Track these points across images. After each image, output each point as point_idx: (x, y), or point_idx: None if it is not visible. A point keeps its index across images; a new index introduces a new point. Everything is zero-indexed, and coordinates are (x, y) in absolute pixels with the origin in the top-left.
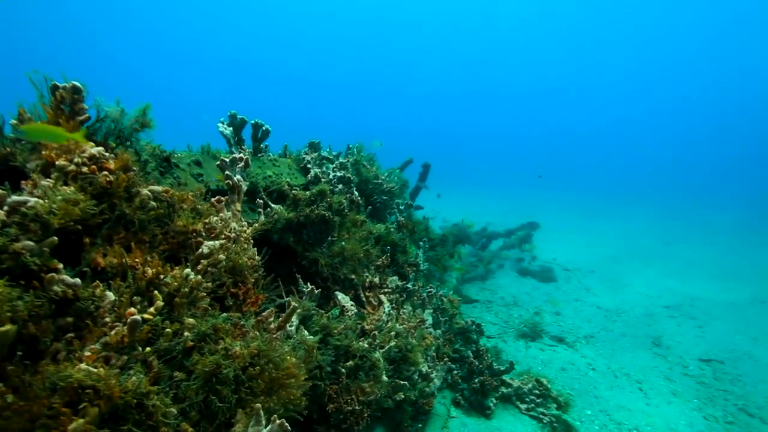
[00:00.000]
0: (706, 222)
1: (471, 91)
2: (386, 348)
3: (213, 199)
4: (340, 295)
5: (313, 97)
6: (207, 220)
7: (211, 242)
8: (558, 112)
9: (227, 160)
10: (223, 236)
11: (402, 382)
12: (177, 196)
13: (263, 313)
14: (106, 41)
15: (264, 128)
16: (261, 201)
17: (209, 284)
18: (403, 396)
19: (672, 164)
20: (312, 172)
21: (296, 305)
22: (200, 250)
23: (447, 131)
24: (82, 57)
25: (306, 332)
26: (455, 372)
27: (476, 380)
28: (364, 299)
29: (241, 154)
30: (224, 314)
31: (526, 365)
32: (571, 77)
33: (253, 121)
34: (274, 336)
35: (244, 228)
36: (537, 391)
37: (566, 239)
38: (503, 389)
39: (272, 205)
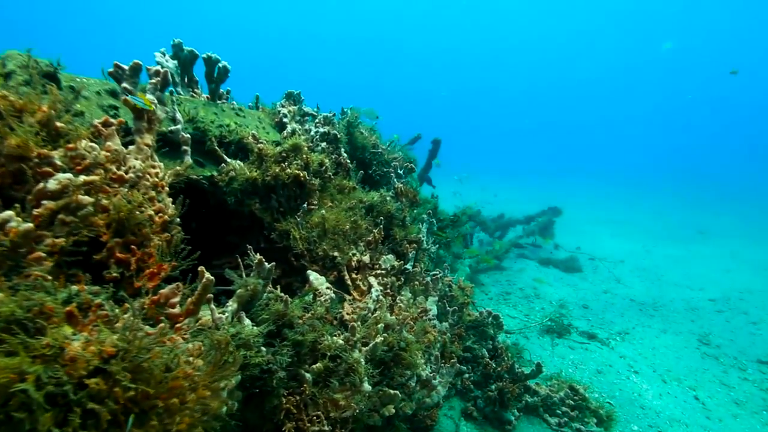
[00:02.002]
0: (742, 213)
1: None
2: (371, 345)
3: (97, 121)
4: (313, 275)
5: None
6: (73, 146)
7: (65, 176)
8: (583, 101)
9: (125, 68)
10: (104, 173)
11: (392, 392)
12: (12, 104)
13: (162, 291)
14: None
15: (221, 65)
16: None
17: (61, 240)
18: (394, 410)
19: (700, 153)
20: (289, 128)
21: (241, 284)
22: (43, 185)
23: (465, 120)
24: None
25: (248, 322)
26: (466, 376)
27: (493, 387)
28: (349, 282)
29: (157, 67)
30: (73, 288)
31: (555, 367)
32: (600, 64)
33: (204, 55)
34: (178, 326)
35: (157, 171)
36: (571, 401)
37: (589, 228)
38: (527, 398)
39: (226, 158)
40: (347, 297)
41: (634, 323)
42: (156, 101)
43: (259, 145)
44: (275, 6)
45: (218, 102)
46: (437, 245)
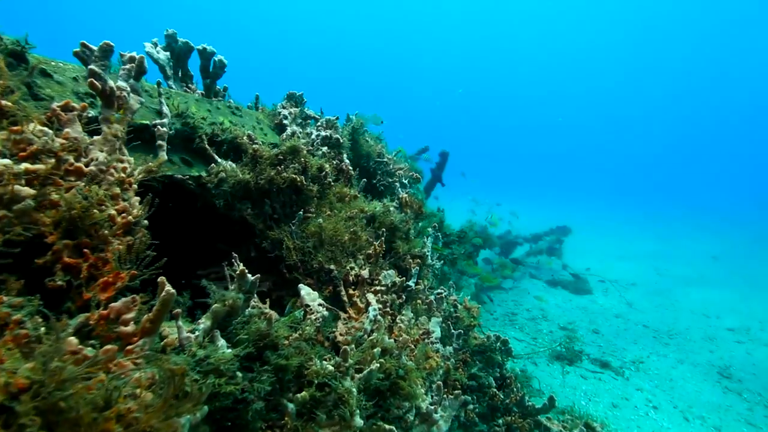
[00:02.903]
0: (756, 236)
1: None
2: (365, 372)
3: (56, 104)
4: (305, 290)
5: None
6: (18, 128)
7: (4, 161)
8: (591, 117)
9: (93, 48)
10: (57, 163)
11: (388, 427)
12: None
13: (114, 305)
14: None
15: (217, 58)
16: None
17: None
18: None
19: (709, 177)
20: (289, 130)
21: (218, 298)
22: None
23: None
24: None
25: (222, 343)
26: (471, 407)
27: (501, 421)
28: (345, 298)
29: (132, 53)
30: None
31: (566, 398)
32: (615, 79)
33: (200, 47)
34: (130, 348)
35: (125, 166)
36: None
37: (596, 248)
38: None
39: (217, 158)
40: (342, 315)
41: (648, 351)
42: (128, 89)
43: (254, 146)
44: (280, 8)
45: (213, 99)
46: (442, 261)
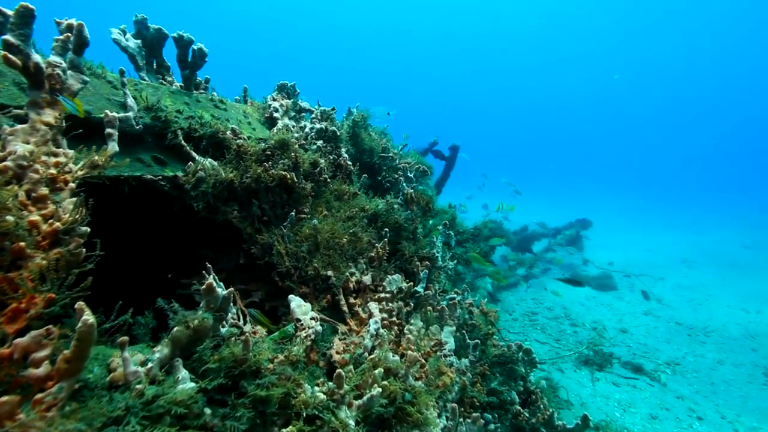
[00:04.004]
0: None
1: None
2: (365, 399)
3: None
4: (295, 302)
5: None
6: None
7: None
8: (614, 109)
9: (8, 14)
10: None
11: None
12: None
13: (19, 341)
14: None
15: (196, 47)
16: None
17: None
18: None
19: (738, 163)
20: (280, 124)
21: (179, 320)
22: None
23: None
24: None
25: (184, 374)
26: (492, 427)
27: None
28: (345, 308)
29: (70, 20)
30: None
31: (598, 410)
32: (636, 71)
33: (175, 34)
34: (40, 397)
35: (58, 161)
36: None
37: (619, 242)
38: None
39: (195, 155)
40: (342, 328)
41: (684, 351)
42: (62, 65)
43: (238, 141)
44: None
45: (193, 92)
46: (455, 261)
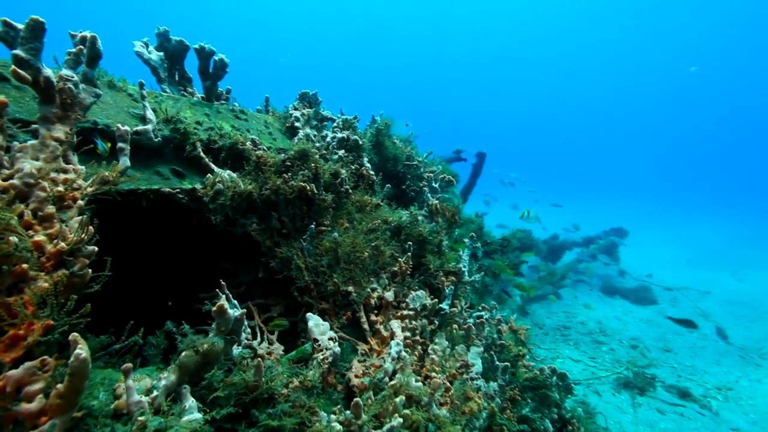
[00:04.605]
0: None
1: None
2: (384, 430)
3: None
4: (313, 320)
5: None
6: None
7: None
8: (654, 117)
9: (18, 27)
10: None
11: None
12: None
13: (12, 373)
14: None
15: (217, 58)
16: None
17: None
18: None
19: None
20: (301, 133)
21: (187, 345)
22: None
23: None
24: None
25: (191, 403)
26: None
27: None
28: (366, 326)
29: (85, 33)
30: None
31: None
32: (666, 75)
33: (197, 46)
34: None
35: (68, 177)
36: None
37: (657, 252)
38: None
39: (213, 167)
40: (362, 347)
41: (737, 375)
42: (74, 78)
43: (257, 152)
44: (299, 8)
45: (214, 102)
46: (482, 273)
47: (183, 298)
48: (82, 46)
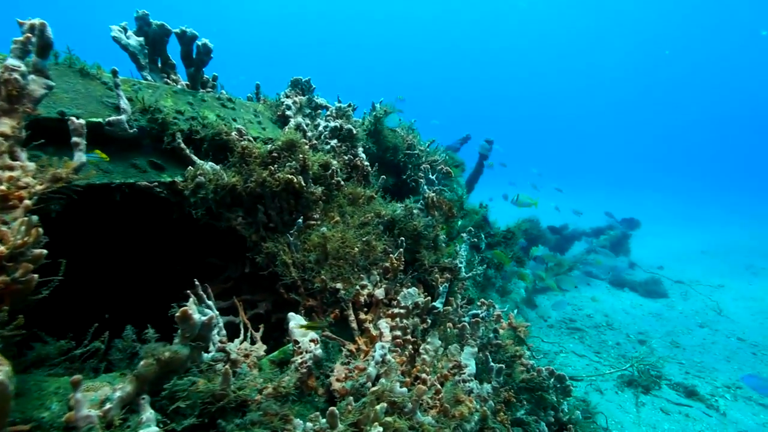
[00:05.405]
0: None
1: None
2: None
3: None
4: (295, 320)
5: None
6: None
7: None
8: (670, 105)
9: None
10: None
11: None
12: None
13: None
14: None
15: (200, 43)
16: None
17: None
18: None
19: None
20: (292, 122)
21: (147, 352)
22: None
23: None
24: None
25: (149, 415)
26: None
27: None
28: (354, 325)
29: (33, 21)
30: None
31: None
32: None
33: (178, 30)
34: None
35: (13, 175)
36: None
37: (670, 244)
38: None
39: (195, 159)
40: (349, 347)
41: (747, 373)
42: (21, 69)
43: (242, 143)
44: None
45: (200, 90)
46: (485, 265)
47: (167, 297)
48: (30, 35)
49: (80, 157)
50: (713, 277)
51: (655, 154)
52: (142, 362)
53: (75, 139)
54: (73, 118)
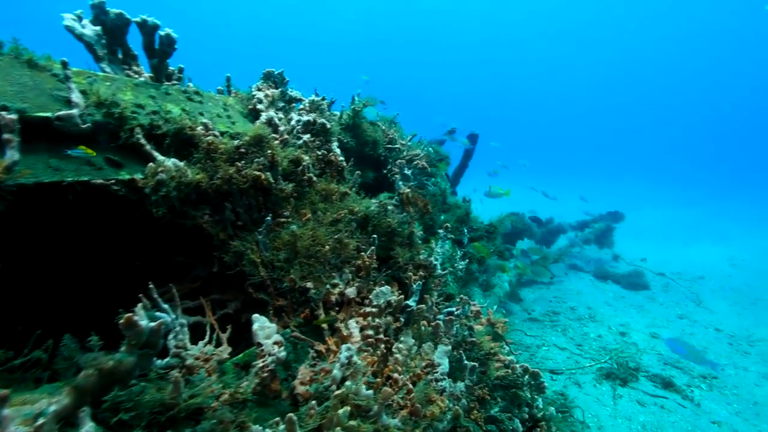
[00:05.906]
0: None
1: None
2: None
3: None
4: (259, 322)
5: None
6: None
7: None
8: (648, 91)
9: None
10: None
11: None
12: None
13: None
14: None
15: (163, 33)
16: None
17: None
18: None
19: None
20: (263, 116)
21: (88, 363)
22: None
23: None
24: None
25: (88, 428)
26: None
27: None
28: (325, 326)
29: None
30: None
31: None
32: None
33: (138, 19)
34: None
35: None
36: None
37: (653, 237)
38: None
39: (157, 155)
40: (315, 349)
41: (723, 363)
42: None
43: (207, 138)
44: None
45: (164, 83)
46: (466, 260)
47: (126, 300)
48: None
49: (12, 155)
50: (694, 268)
51: (642, 144)
52: (81, 373)
53: (6, 135)
54: (3, 113)
